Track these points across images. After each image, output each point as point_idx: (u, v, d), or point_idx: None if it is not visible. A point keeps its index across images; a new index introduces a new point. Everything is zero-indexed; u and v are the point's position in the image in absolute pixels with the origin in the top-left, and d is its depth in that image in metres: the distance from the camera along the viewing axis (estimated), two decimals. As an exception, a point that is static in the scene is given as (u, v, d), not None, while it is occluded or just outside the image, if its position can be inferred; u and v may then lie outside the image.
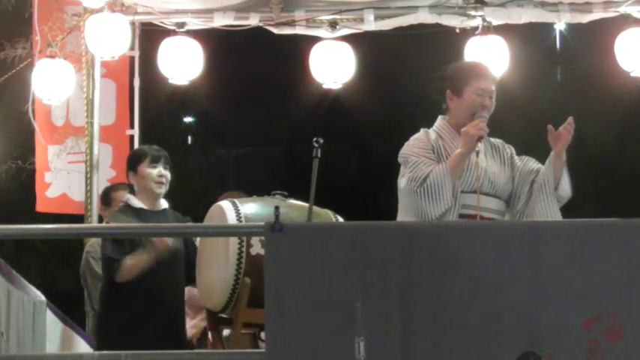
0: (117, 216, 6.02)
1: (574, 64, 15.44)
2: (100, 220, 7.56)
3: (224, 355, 5.13)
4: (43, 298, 6.35)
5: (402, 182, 4.97)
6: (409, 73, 14.32)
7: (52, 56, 7.83)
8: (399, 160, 5.03)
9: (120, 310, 5.79)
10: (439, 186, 4.83)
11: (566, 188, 5.03)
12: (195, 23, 7.76)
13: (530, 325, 3.91)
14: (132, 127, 8.28)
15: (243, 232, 5.27)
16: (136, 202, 5.92)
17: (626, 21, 7.59)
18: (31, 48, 8.19)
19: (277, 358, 3.92)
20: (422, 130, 5.14)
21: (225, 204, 5.58)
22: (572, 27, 8.20)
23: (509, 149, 5.20)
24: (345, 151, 19.15)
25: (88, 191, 7.88)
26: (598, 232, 4.03)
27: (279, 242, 3.98)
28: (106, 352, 5.17)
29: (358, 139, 19.15)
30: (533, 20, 7.66)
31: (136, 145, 8.15)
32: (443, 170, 4.85)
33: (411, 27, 7.74)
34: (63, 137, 8.20)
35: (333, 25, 7.80)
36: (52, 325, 6.46)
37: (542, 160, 5.08)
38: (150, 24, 7.94)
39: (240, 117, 17.87)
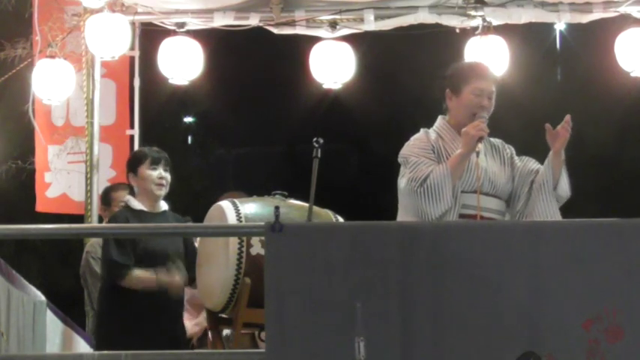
0: (117, 217, 6.04)
1: (574, 64, 15.44)
2: (100, 220, 7.56)
3: (224, 355, 5.13)
4: (43, 298, 6.35)
5: (402, 182, 4.97)
6: (409, 73, 14.32)
7: (52, 56, 7.83)
8: (399, 160, 5.03)
9: (120, 310, 5.80)
10: (439, 186, 4.83)
11: (565, 188, 5.03)
12: (195, 23, 7.76)
13: (530, 325, 3.91)
14: (132, 127, 8.28)
15: (243, 232, 5.27)
16: (136, 204, 5.92)
17: (626, 21, 7.59)
18: (31, 48, 8.19)
19: (277, 358, 3.92)
20: (422, 130, 5.14)
21: (225, 204, 5.58)
22: (572, 27, 8.20)
23: (509, 149, 5.20)
24: (345, 151, 19.15)
25: (88, 191, 7.88)
26: (598, 232, 4.02)
27: (279, 242, 3.98)
28: (106, 352, 5.17)
29: (358, 139, 19.15)
30: (533, 20, 7.67)
31: (136, 145, 8.15)
32: (443, 171, 4.85)
33: (411, 27, 7.74)
34: (63, 137, 8.20)
35: (333, 25, 7.80)
36: (52, 325, 6.46)
37: (542, 160, 5.08)
38: (150, 24, 7.94)
39: (240, 117, 17.87)
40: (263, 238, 4.25)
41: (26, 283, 6.04)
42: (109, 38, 7.52)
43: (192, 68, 7.79)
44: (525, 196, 5.06)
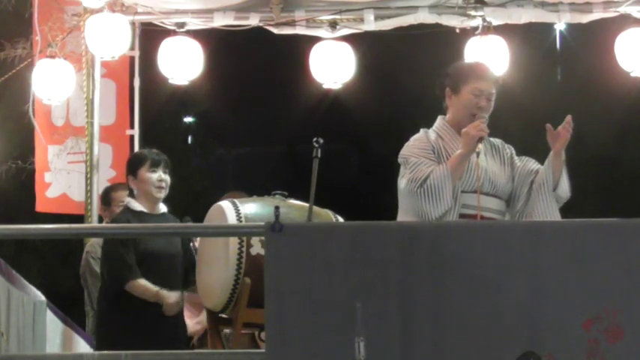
0: (119, 219, 6.04)
1: (574, 64, 15.44)
2: (100, 220, 7.56)
3: (224, 355, 5.13)
4: (43, 298, 6.35)
5: (402, 183, 4.97)
6: (409, 73, 14.32)
7: (52, 56, 7.83)
8: (399, 160, 5.03)
9: (120, 310, 5.80)
10: (439, 187, 4.82)
11: (565, 188, 5.03)
12: (195, 23, 7.76)
13: (530, 325, 3.91)
14: (132, 127, 8.28)
15: (243, 232, 5.27)
16: (137, 205, 5.93)
17: (626, 21, 7.59)
18: (31, 48, 8.19)
19: (277, 358, 3.92)
20: (422, 131, 5.14)
21: (225, 204, 5.58)
22: (572, 27, 8.21)
23: (509, 149, 5.20)
24: (345, 151, 19.15)
25: (88, 191, 7.88)
26: (598, 232, 4.02)
27: (279, 242, 3.98)
28: (106, 352, 5.17)
29: (358, 139, 19.15)
30: (533, 20, 7.67)
31: (136, 145, 8.16)
32: (443, 171, 4.85)
33: (411, 27, 7.74)
34: (63, 137, 8.20)
35: (333, 25, 7.80)
36: (52, 325, 6.47)
37: (542, 160, 5.08)
38: (150, 24, 7.94)
39: (240, 117, 17.87)
40: (263, 238, 4.25)
41: (26, 283, 6.05)
42: (109, 38, 7.52)
43: (192, 68, 7.79)
44: (525, 196, 5.06)
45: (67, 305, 7.74)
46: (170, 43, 7.72)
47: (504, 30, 7.70)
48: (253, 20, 7.74)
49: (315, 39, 7.93)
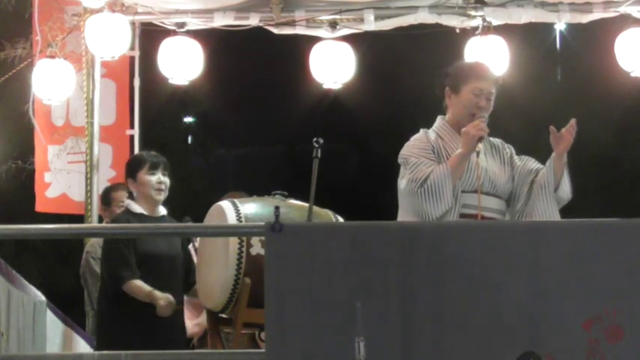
0: (118, 220, 6.05)
1: (574, 64, 15.45)
2: (100, 220, 7.56)
3: (224, 355, 5.13)
4: (43, 298, 6.35)
5: (402, 183, 4.96)
6: (409, 73, 14.33)
7: (52, 56, 7.83)
8: (399, 161, 5.03)
9: (120, 310, 5.80)
10: (439, 187, 4.82)
11: (566, 190, 5.03)
12: (195, 23, 7.76)
13: (530, 325, 3.91)
14: (132, 127, 8.28)
15: (243, 232, 5.27)
16: (137, 208, 5.93)
17: (626, 21, 7.59)
18: (31, 48, 8.19)
19: (277, 358, 3.92)
20: (421, 131, 5.14)
21: (225, 204, 5.58)
22: (572, 27, 8.21)
23: (509, 149, 5.20)
24: (345, 151, 19.16)
25: (88, 191, 7.88)
26: (598, 232, 4.02)
27: (279, 242, 3.98)
28: (106, 352, 5.17)
29: (358, 139, 19.16)
30: (533, 20, 7.67)
31: (136, 145, 8.16)
32: (443, 171, 4.85)
33: (411, 27, 7.74)
34: (63, 137, 8.20)
35: (333, 25, 7.80)
36: (52, 325, 6.47)
37: (543, 160, 5.08)
38: (150, 24, 7.94)
39: (240, 117, 17.88)
40: (263, 238, 4.25)
41: (26, 283, 6.05)
42: (109, 38, 7.52)
43: (192, 68, 7.79)
44: (525, 196, 5.05)
45: (67, 305, 7.74)
46: (170, 43, 7.72)
47: (504, 30, 7.70)
48: (253, 20, 7.74)
49: (315, 39, 7.93)
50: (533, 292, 3.92)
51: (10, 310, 5.36)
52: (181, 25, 7.70)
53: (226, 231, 5.21)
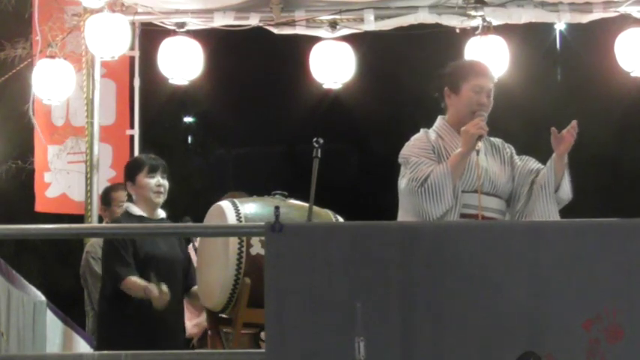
0: (118, 222, 6.05)
1: (574, 64, 15.44)
2: (100, 220, 7.56)
3: (224, 355, 5.13)
4: (43, 298, 6.35)
5: (402, 183, 4.96)
6: (409, 73, 14.33)
7: (52, 56, 7.83)
8: (400, 160, 5.03)
9: (120, 311, 5.80)
10: (440, 186, 4.82)
11: (566, 190, 5.03)
12: (195, 23, 7.76)
13: (530, 325, 3.91)
14: (132, 127, 8.28)
15: (243, 232, 5.27)
16: (136, 210, 5.93)
17: (626, 21, 7.59)
18: (31, 48, 8.19)
19: (277, 358, 3.92)
20: (422, 131, 5.14)
21: (225, 204, 5.58)
22: (572, 27, 8.21)
23: (509, 149, 5.20)
24: (345, 151, 19.16)
25: (88, 191, 7.88)
26: (598, 232, 4.02)
27: (279, 242, 3.98)
28: (106, 352, 5.17)
29: (358, 139, 19.16)
30: (533, 20, 7.66)
31: (136, 145, 8.16)
32: (443, 170, 4.85)
33: (411, 27, 7.74)
34: (63, 137, 8.20)
35: (333, 25, 7.80)
36: (52, 325, 6.46)
37: (543, 161, 5.08)
38: (150, 24, 7.94)
39: (240, 117, 17.87)
40: (263, 238, 4.25)
41: (26, 283, 6.05)
42: (109, 38, 7.52)
43: (192, 68, 7.79)
44: (525, 196, 5.06)
45: (67, 305, 7.73)
46: (170, 43, 7.72)
47: (504, 30, 7.70)
48: (253, 20, 7.74)
49: (315, 39, 7.92)
50: (533, 292, 3.92)
51: (10, 310, 5.35)
52: (181, 25, 7.69)
53: (226, 231, 5.21)
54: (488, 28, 7.59)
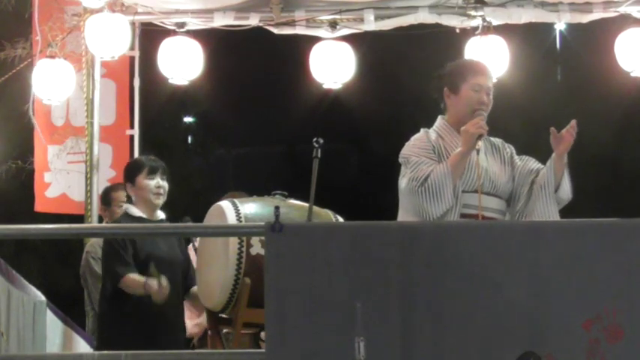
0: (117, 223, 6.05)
1: (574, 64, 15.44)
2: (100, 220, 7.56)
3: (224, 355, 5.13)
4: (43, 298, 6.35)
5: (402, 182, 4.97)
6: (409, 73, 14.32)
7: (52, 56, 7.83)
8: (400, 160, 5.03)
9: (120, 311, 5.80)
10: (440, 185, 4.82)
11: (566, 190, 5.03)
12: (195, 23, 7.76)
13: (530, 325, 3.91)
14: (132, 127, 8.28)
15: (243, 232, 5.27)
16: (135, 211, 5.94)
17: (626, 21, 7.59)
18: (31, 48, 8.19)
19: (277, 358, 3.92)
20: (422, 130, 5.14)
21: (225, 204, 5.58)
22: (572, 27, 8.21)
23: (510, 149, 5.20)
24: (345, 151, 19.16)
25: (88, 191, 7.88)
26: (598, 232, 4.02)
27: (279, 242, 3.98)
28: (106, 352, 5.17)
29: (358, 139, 19.16)
30: (533, 20, 7.66)
31: (136, 145, 8.16)
32: (444, 170, 4.85)
33: (411, 27, 7.74)
34: (63, 137, 8.20)
35: (333, 25, 7.79)
36: (52, 325, 6.46)
37: (543, 161, 5.08)
38: (150, 24, 7.94)
39: (240, 117, 17.87)
40: (263, 238, 4.25)
41: (26, 283, 6.04)
42: (109, 38, 7.51)
43: (192, 68, 7.79)
44: (525, 196, 5.06)
45: (67, 305, 7.73)
46: (170, 43, 7.72)
47: (504, 30, 7.70)
48: (253, 20, 7.74)
49: (315, 39, 7.92)
50: (533, 292, 3.92)
51: (10, 310, 5.35)
52: (181, 25, 7.69)
53: (226, 231, 5.21)
54: (488, 28, 7.59)
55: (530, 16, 7.61)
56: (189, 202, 13.74)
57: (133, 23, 7.76)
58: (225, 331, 5.83)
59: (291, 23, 7.78)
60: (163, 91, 11.44)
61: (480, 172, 4.94)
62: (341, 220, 5.70)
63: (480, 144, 4.91)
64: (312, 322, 3.91)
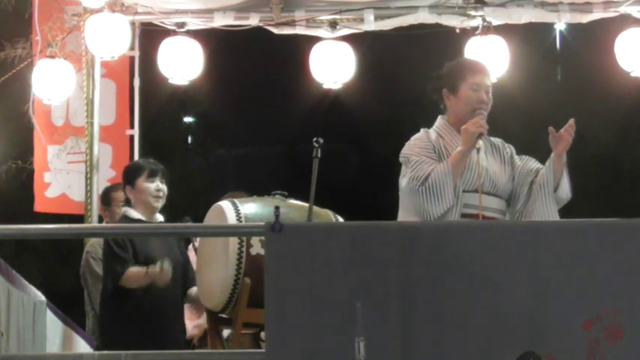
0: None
1: (574, 64, 15.45)
2: (100, 220, 7.56)
3: (224, 355, 5.13)
4: (43, 298, 6.34)
5: (403, 182, 4.97)
6: (409, 73, 14.32)
7: (52, 56, 7.82)
8: (400, 160, 5.03)
9: (121, 310, 5.80)
10: (441, 185, 4.82)
11: (565, 190, 5.03)
12: (195, 23, 7.76)
13: (530, 325, 3.91)
14: (132, 127, 8.28)
15: (243, 232, 5.27)
16: (134, 214, 5.94)
17: (626, 21, 7.59)
18: (31, 48, 8.19)
19: (277, 358, 3.92)
20: (422, 130, 5.14)
21: (225, 204, 5.58)
22: (572, 27, 8.21)
23: (509, 148, 5.21)
24: (345, 151, 19.17)
25: (88, 191, 7.87)
26: (598, 232, 4.02)
27: (279, 242, 3.98)
28: (106, 352, 5.17)
29: (358, 139, 19.17)
30: (533, 20, 7.66)
31: (136, 145, 8.16)
32: (444, 169, 4.85)
33: (411, 27, 7.74)
34: (63, 137, 8.19)
35: (333, 25, 7.79)
36: (52, 325, 6.45)
37: (543, 160, 5.08)
38: (150, 24, 7.94)
39: (240, 117, 17.88)
40: (263, 238, 4.25)
41: (26, 283, 6.04)
42: (109, 38, 7.51)
43: (192, 68, 7.78)
44: (525, 196, 5.06)
45: (67, 305, 7.72)
46: (170, 43, 7.72)
47: (504, 30, 7.70)
48: (253, 20, 7.73)
49: (315, 39, 7.92)
50: (533, 292, 3.92)
51: (10, 310, 5.35)
52: (181, 25, 7.69)
53: (226, 231, 5.21)
54: (488, 28, 7.59)
55: (530, 16, 7.61)
56: (189, 202, 13.75)
57: (133, 23, 7.76)
58: (226, 336, 5.84)
59: (291, 23, 7.78)
60: (163, 91, 11.44)
61: (480, 171, 4.94)
62: (341, 220, 5.70)
63: (481, 143, 4.91)
64: (312, 322, 3.91)
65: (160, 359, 4.68)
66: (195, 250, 6.12)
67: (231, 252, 5.39)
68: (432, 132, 5.10)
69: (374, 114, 17.01)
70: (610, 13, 7.59)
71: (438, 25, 7.67)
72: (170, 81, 7.86)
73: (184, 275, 6.02)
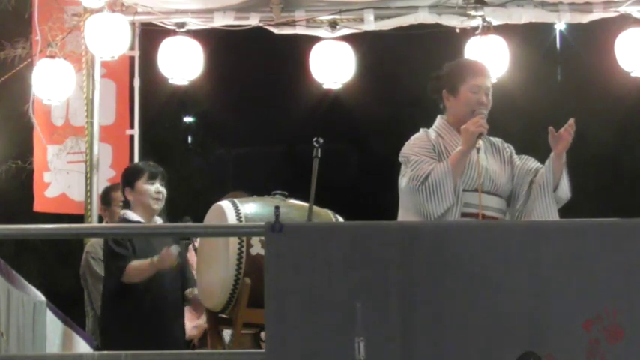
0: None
1: (574, 64, 15.45)
2: (100, 220, 7.56)
3: (224, 355, 5.13)
4: (43, 298, 6.34)
5: (403, 182, 4.97)
6: (409, 73, 14.32)
7: (52, 56, 7.83)
8: (400, 159, 5.03)
9: (122, 310, 5.80)
10: (441, 184, 4.82)
11: (565, 189, 5.03)
12: (195, 23, 7.76)
13: (530, 325, 3.91)
14: (132, 127, 8.28)
15: (243, 232, 5.27)
16: (133, 216, 5.94)
17: (626, 21, 7.59)
18: (31, 48, 8.19)
19: (277, 358, 3.92)
20: (422, 130, 5.14)
21: (225, 204, 5.58)
22: (572, 27, 8.21)
23: (509, 148, 5.21)
24: (345, 151, 19.17)
25: (88, 191, 7.88)
26: (598, 232, 4.02)
27: (279, 242, 3.97)
28: (106, 352, 5.17)
29: (358, 139, 19.17)
30: (533, 20, 7.67)
31: (136, 145, 8.16)
32: (444, 168, 4.85)
33: (411, 27, 7.74)
34: (63, 137, 8.20)
35: (333, 25, 7.80)
36: (52, 325, 6.45)
37: (542, 160, 5.08)
38: (150, 24, 7.94)
39: (240, 117, 17.88)
40: (263, 238, 4.24)
41: (26, 283, 6.04)
42: (109, 38, 7.52)
43: (192, 68, 7.79)
44: (524, 196, 5.06)
45: (67, 305, 7.72)
46: (170, 43, 7.72)
47: (504, 30, 7.70)
48: (253, 20, 7.74)
49: (315, 39, 7.92)
50: (533, 292, 3.92)
51: (10, 310, 5.35)
52: (181, 25, 7.69)
53: (226, 231, 5.21)
54: (488, 28, 7.59)
55: (530, 16, 7.61)
56: (189, 202, 13.75)
57: (133, 23, 7.76)
58: (226, 333, 5.84)
59: (291, 23, 7.78)
60: (163, 91, 11.45)
61: (480, 170, 4.94)
62: (341, 220, 5.70)
63: (480, 143, 4.91)
64: (312, 322, 3.91)
65: (159, 359, 4.68)
66: (195, 250, 6.12)
67: (231, 252, 5.39)
68: (432, 132, 5.10)
69: (374, 114, 17.01)
70: (610, 13, 7.59)
71: (438, 25, 7.67)
72: (170, 81, 7.86)
73: (183, 276, 6.02)
